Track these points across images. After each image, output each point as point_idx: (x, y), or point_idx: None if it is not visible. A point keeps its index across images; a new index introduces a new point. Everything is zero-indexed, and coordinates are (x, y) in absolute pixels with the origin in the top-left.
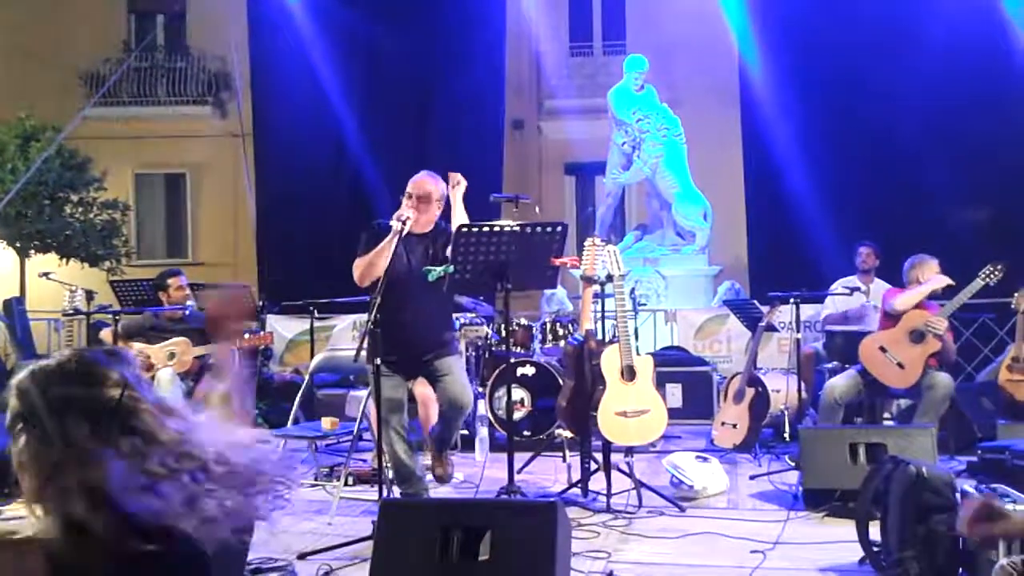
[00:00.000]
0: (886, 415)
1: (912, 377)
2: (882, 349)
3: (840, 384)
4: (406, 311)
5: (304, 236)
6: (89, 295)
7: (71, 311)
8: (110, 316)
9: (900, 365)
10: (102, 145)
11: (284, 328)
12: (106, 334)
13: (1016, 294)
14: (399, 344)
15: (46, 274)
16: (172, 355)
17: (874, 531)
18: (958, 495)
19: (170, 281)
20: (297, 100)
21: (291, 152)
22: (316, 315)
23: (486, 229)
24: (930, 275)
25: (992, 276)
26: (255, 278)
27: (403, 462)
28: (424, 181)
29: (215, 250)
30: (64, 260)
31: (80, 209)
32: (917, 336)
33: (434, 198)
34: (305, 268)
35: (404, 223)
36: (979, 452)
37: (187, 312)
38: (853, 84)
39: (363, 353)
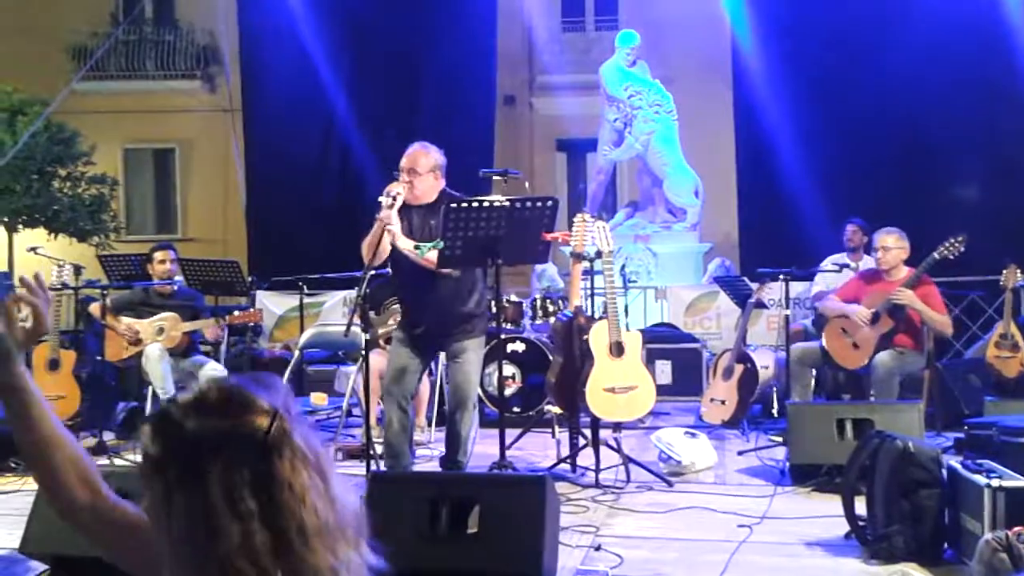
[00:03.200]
0: (873, 392)
1: (864, 357)
2: (843, 330)
3: (804, 346)
4: (416, 285)
5: (294, 212)
6: (77, 270)
7: (59, 286)
8: (98, 291)
9: (855, 345)
10: (90, 119)
11: (274, 304)
12: (95, 308)
13: (1004, 271)
14: (414, 317)
15: (34, 249)
16: (161, 330)
17: (860, 506)
18: (944, 471)
19: (155, 255)
20: (287, 75)
21: (281, 127)
22: (306, 291)
23: (476, 204)
24: (887, 250)
25: (952, 248)
26: (245, 254)
27: (397, 435)
28: (414, 153)
29: (204, 225)
30: (52, 235)
31: (68, 184)
32: (874, 317)
33: (424, 169)
34: (295, 244)
35: (394, 199)
36: (966, 428)
37: (176, 288)
38: (845, 62)
39: (354, 328)
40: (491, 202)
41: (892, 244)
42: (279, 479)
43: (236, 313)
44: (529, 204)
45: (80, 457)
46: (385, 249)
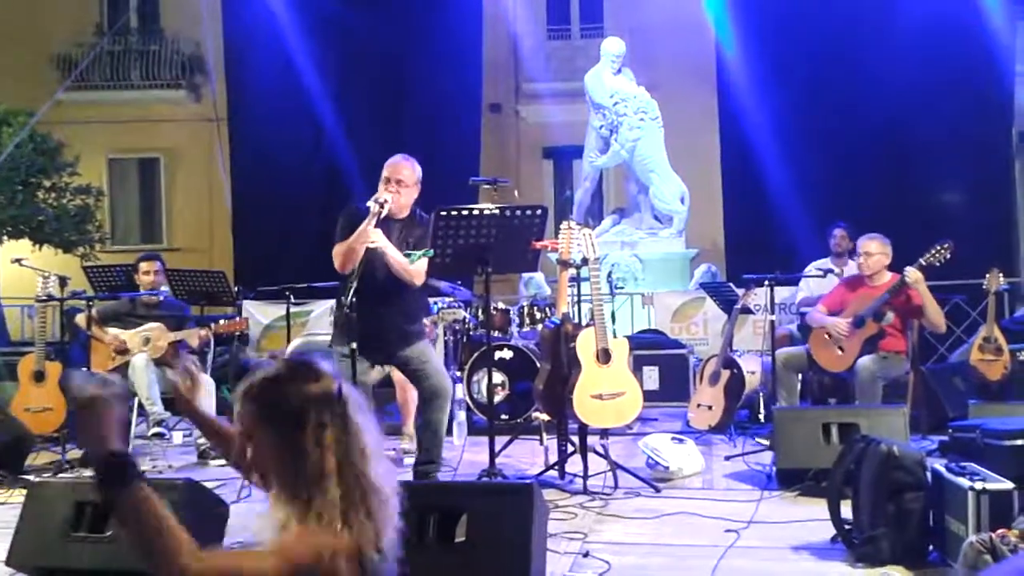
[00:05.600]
0: (856, 397)
1: (849, 360)
2: (828, 336)
3: (789, 351)
4: (381, 296)
5: (280, 221)
6: (63, 281)
7: (44, 297)
8: (84, 302)
9: (840, 349)
10: (75, 129)
11: (260, 313)
12: (81, 319)
13: (987, 275)
14: (373, 329)
15: (19, 260)
16: (147, 340)
17: (846, 510)
18: (928, 474)
19: (141, 265)
20: (272, 84)
21: (266, 136)
22: (292, 300)
23: (466, 212)
24: (870, 255)
25: (938, 255)
26: (231, 263)
27: None
28: (401, 164)
29: (190, 235)
30: (37, 246)
31: (53, 195)
32: (858, 321)
33: (410, 181)
34: (281, 253)
35: (382, 205)
36: (950, 431)
37: (162, 298)
38: (829, 68)
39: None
40: (481, 210)
41: (875, 250)
42: (349, 420)
43: (222, 322)
44: (519, 212)
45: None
46: (358, 256)
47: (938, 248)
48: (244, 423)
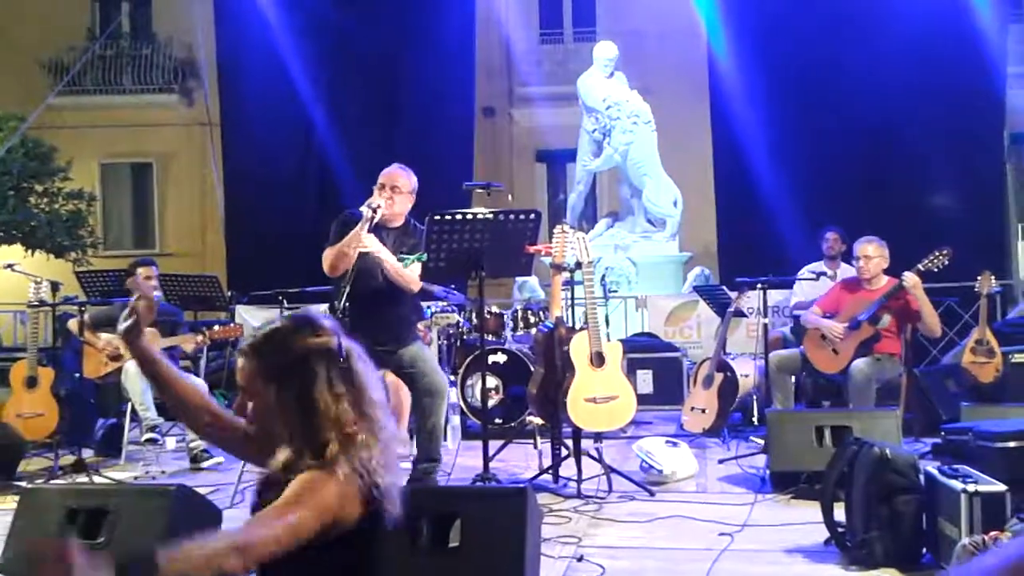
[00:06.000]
0: (850, 399)
1: (843, 361)
2: (823, 337)
3: (782, 353)
4: (375, 301)
5: (273, 226)
6: (55, 287)
7: (36, 303)
8: (76, 307)
9: (835, 351)
10: (67, 134)
11: (253, 318)
12: (73, 324)
13: (979, 278)
14: (366, 333)
15: (10, 266)
16: None
17: (839, 512)
18: (921, 476)
19: (139, 270)
20: (265, 88)
21: (259, 141)
22: (285, 305)
23: (459, 217)
24: (869, 259)
25: (936, 261)
26: (223, 267)
27: None
28: (396, 173)
29: (183, 240)
30: (29, 251)
31: (45, 200)
32: (854, 324)
33: (406, 190)
34: (274, 257)
35: (375, 210)
36: (943, 434)
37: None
38: (821, 72)
39: None
40: (474, 215)
41: (873, 253)
42: (355, 371)
43: (217, 328)
44: (512, 217)
45: (203, 395)
46: (350, 261)
47: (937, 254)
48: (246, 379)
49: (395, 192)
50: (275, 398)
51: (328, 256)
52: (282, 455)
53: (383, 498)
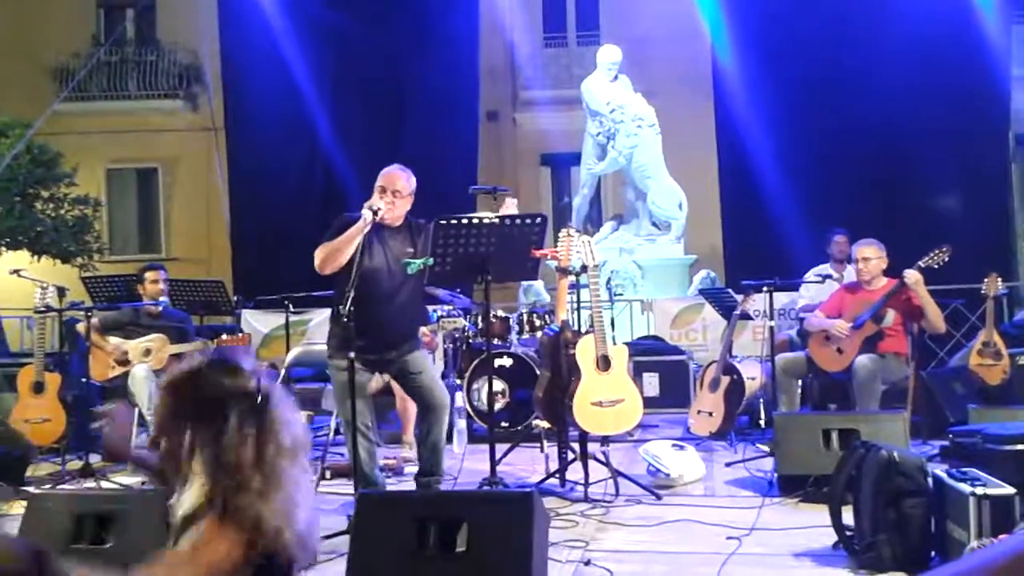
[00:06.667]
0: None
1: (847, 360)
2: (827, 337)
3: (788, 356)
4: (379, 305)
5: (278, 230)
6: (61, 292)
7: (43, 308)
8: (82, 313)
9: (839, 350)
10: (73, 140)
11: (259, 323)
12: (82, 327)
13: (986, 280)
14: (371, 337)
15: (17, 271)
16: (148, 351)
17: (847, 515)
18: (929, 479)
19: (147, 275)
20: (269, 93)
21: (264, 145)
22: (291, 309)
23: (465, 221)
24: (867, 261)
25: (936, 259)
26: (229, 272)
27: (364, 463)
28: (396, 175)
29: (189, 245)
30: (36, 257)
31: (51, 205)
32: (858, 323)
33: (406, 193)
34: (280, 262)
35: (376, 212)
36: (951, 436)
37: (163, 308)
38: (825, 74)
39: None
40: (480, 219)
41: (872, 255)
42: (270, 415)
43: (225, 337)
44: (518, 221)
45: None
46: (342, 259)
47: (937, 252)
48: (160, 416)
49: (396, 196)
50: (187, 439)
51: (320, 252)
52: (187, 500)
53: (281, 549)
